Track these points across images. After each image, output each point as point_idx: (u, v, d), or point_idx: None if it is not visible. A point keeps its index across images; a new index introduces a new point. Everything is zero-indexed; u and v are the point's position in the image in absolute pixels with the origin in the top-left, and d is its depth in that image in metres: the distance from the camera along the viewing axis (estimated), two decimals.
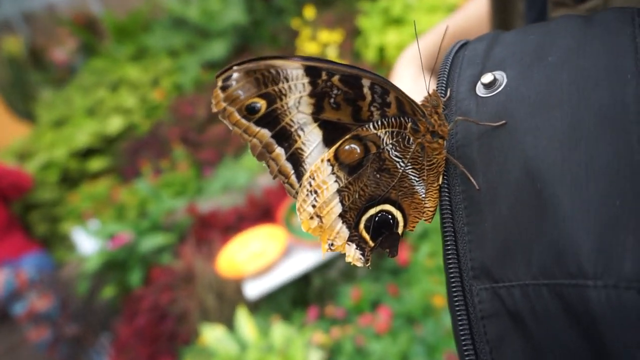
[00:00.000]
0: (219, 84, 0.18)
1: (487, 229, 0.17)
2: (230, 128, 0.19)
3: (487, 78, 0.19)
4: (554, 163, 0.15)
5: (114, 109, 2.23)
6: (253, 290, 1.06)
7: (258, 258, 1.11)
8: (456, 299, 0.18)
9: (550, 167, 0.15)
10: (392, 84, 0.19)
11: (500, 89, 0.18)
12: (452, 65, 0.22)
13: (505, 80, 0.18)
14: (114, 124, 2.17)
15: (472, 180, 0.18)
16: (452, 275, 0.18)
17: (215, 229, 1.35)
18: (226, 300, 1.13)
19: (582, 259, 0.14)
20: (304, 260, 1.09)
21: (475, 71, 0.20)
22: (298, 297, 1.13)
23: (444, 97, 0.21)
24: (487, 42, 0.21)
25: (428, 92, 0.20)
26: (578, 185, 0.15)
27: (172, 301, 1.16)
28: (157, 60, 2.38)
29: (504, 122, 0.17)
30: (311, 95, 0.19)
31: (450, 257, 0.18)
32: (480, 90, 0.19)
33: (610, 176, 0.14)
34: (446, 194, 0.19)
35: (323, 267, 1.13)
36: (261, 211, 1.35)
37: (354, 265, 0.22)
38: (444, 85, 0.21)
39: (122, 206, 1.66)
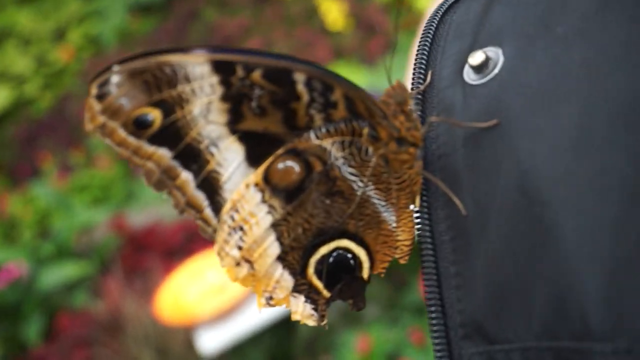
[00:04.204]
0: (93, 91, 0.19)
1: (478, 270, 0.18)
2: (116, 150, 0.20)
3: (477, 58, 0.20)
4: (556, 178, 0.16)
5: None
6: (211, 341, 1.08)
7: (218, 295, 1.13)
8: None
9: (552, 184, 0.16)
10: (337, 75, 0.20)
11: (494, 72, 0.19)
12: (435, 35, 0.23)
13: (501, 61, 0.19)
14: None
15: (457, 202, 0.19)
16: (436, 334, 0.20)
17: (154, 253, 1.36)
18: (171, 357, 1.15)
19: (589, 312, 0.15)
20: None
21: (464, 46, 0.21)
22: (278, 351, 1.15)
23: (422, 83, 0.22)
24: (485, 0, 0.22)
25: (390, 82, 0.21)
26: (585, 208, 0.16)
27: None
28: (61, 3, 2.37)
29: (495, 121, 0.18)
30: (224, 98, 0.20)
31: (433, 309, 0.20)
32: (468, 75, 0.20)
33: (626, 196, 0.15)
34: (426, 222, 0.20)
35: None
36: None
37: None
38: (423, 65, 0.22)
39: (11, 222, 1.66)
